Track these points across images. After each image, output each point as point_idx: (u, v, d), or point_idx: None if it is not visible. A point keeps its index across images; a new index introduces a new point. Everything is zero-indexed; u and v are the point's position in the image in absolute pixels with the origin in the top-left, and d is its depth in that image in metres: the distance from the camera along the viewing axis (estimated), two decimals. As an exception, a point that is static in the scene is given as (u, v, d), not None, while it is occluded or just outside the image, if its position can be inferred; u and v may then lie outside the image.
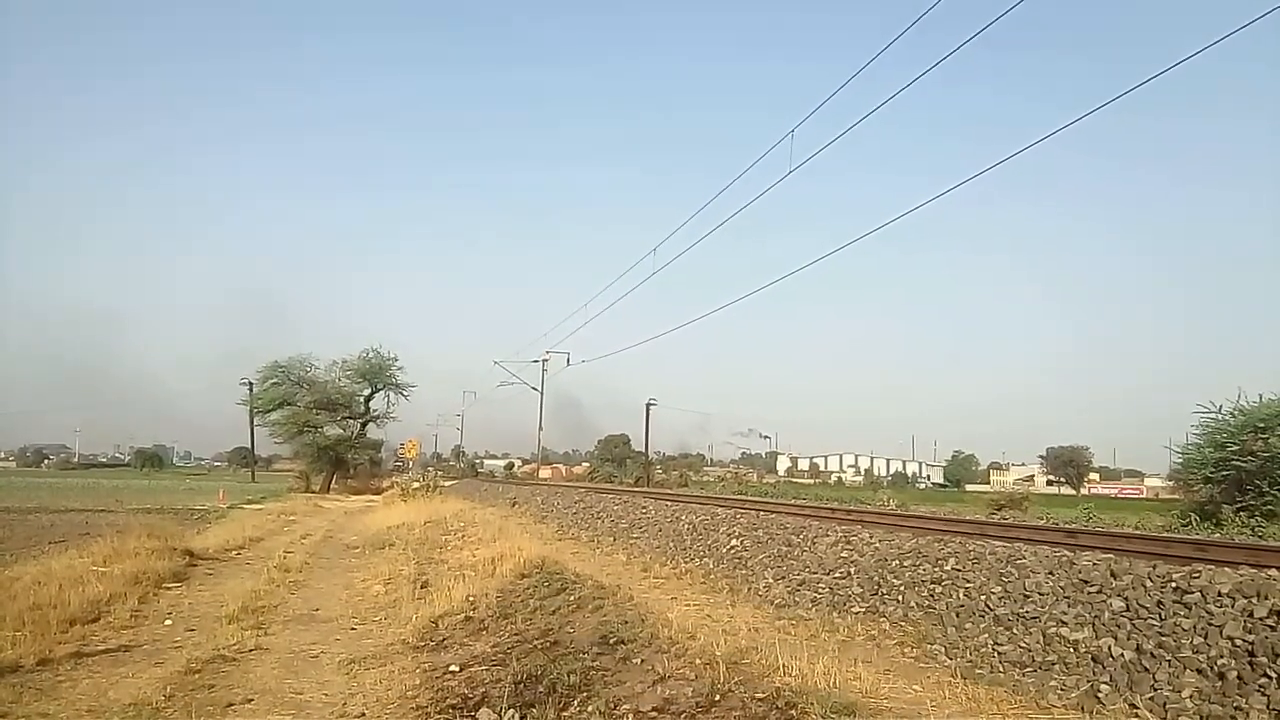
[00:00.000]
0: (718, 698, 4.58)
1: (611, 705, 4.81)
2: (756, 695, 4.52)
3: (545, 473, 64.58)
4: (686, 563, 10.70)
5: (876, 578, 7.62)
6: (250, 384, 51.24)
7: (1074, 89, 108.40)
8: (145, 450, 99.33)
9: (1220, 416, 16.99)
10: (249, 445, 61.37)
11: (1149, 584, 5.49)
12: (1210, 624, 4.87)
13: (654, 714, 4.63)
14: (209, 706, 5.52)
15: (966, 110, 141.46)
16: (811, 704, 4.27)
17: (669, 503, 15.97)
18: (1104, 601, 5.54)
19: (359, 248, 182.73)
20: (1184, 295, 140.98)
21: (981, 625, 6.08)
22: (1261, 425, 15.71)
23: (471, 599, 8.99)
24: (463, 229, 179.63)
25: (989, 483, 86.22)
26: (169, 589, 10.48)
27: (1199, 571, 5.44)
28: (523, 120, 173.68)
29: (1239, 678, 4.47)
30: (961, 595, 6.59)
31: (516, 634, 7.09)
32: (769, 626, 6.99)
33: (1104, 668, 5.01)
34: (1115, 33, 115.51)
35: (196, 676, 6.22)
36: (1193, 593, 5.19)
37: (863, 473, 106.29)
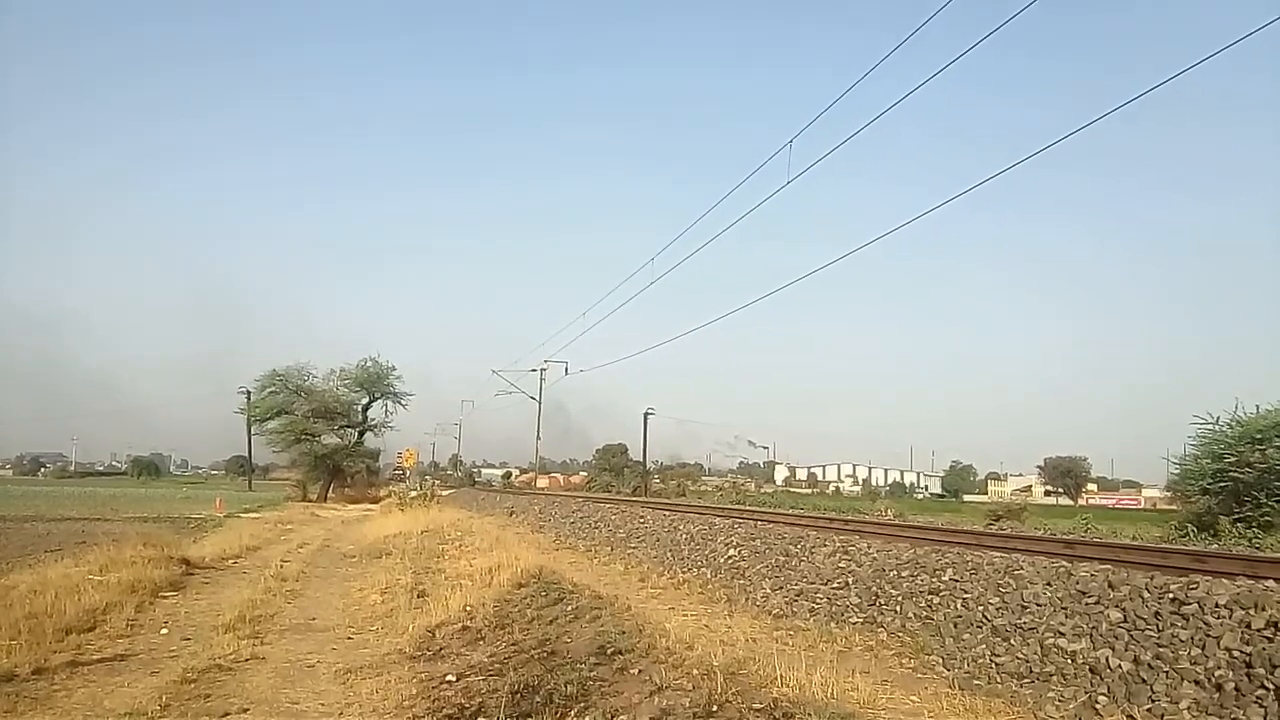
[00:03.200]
0: (715, 708, 4.57)
1: (609, 716, 4.80)
2: (754, 706, 4.51)
3: (543, 482, 64.39)
4: (684, 573, 10.69)
5: (874, 588, 7.62)
6: (248, 392, 51.07)
7: (1072, 98, 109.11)
8: (142, 459, 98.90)
9: (1218, 428, 16.99)
10: (246, 454, 61.19)
11: (1147, 595, 5.50)
12: (1208, 635, 4.88)
13: (651, 724, 4.61)
14: (205, 716, 5.51)
15: (965, 120, 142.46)
16: (809, 714, 4.27)
17: (666, 512, 15.95)
18: (1102, 612, 5.55)
19: (355, 256, 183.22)
20: (1183, 306, 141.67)
21: (979, 636, 6.08)
22: (1259, 436, 15.71)
23: (469, 609, 8.97)
24: (461, 237, 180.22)
25: (987, 493, 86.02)
26: (165, 598, 10.43)
27: (1196, 583, 5.45)
28: (520, 127, 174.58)
29: (1236, 689, 4.48)
30: (959, 606, 6.59)
31: (514, 644, 7.08)
32: (767, 637, 6.98)
33: (1102, 679, 5.01)
34: (1115, 42, 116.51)
35: (192, 686, 6.19)
36: (1190, 604, 5.20)
37: (861, 483, 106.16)
